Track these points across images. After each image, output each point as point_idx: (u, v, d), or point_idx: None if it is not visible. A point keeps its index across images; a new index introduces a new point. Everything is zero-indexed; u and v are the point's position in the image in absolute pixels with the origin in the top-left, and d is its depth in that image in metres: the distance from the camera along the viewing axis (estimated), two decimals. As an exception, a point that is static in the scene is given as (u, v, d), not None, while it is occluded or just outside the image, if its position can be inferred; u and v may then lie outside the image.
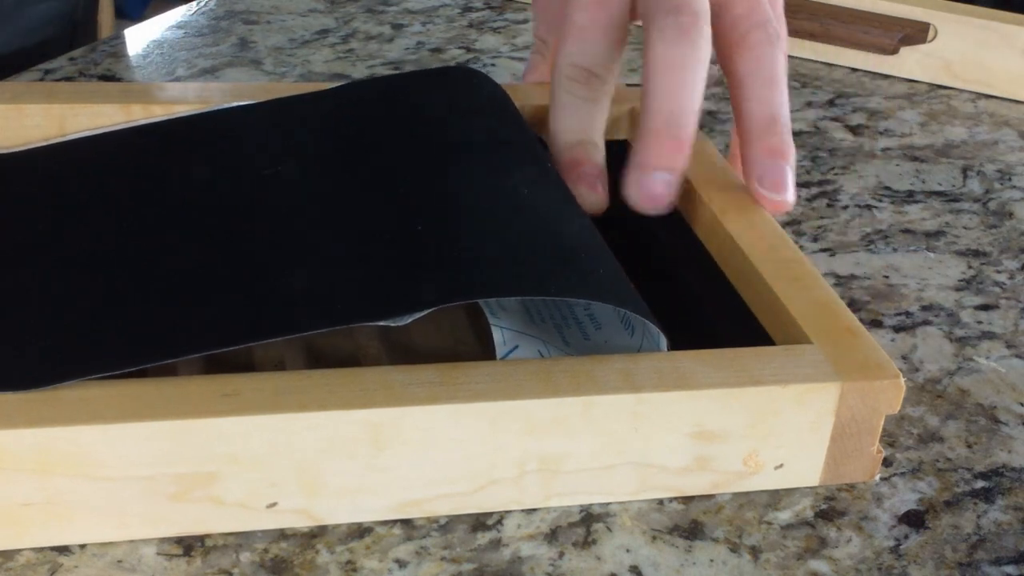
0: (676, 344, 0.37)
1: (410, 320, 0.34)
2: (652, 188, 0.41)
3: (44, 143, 0.44)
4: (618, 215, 0.42)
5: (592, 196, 0.43)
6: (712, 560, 0.34)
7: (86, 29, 0.78)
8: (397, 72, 0.50)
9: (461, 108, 0.46)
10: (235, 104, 0.46)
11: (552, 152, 0.45)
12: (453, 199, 0.39)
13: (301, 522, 0.33)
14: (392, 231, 0.37)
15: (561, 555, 0.34)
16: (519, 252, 0.37)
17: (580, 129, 0.45)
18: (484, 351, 0.39)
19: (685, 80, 0.41)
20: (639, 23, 0.44)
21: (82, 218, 0.39)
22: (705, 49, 0.41)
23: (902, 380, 0.35)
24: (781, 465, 0.36)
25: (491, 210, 0.39)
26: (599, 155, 0.45)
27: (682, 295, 0.43)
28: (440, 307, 0.34)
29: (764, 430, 0.35)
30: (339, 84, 0.48)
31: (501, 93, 0.48)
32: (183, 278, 0.36)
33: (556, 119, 0.45)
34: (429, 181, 0.40)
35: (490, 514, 0.35)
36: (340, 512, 0.33)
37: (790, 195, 0.43)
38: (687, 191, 0.45)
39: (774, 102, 0.43)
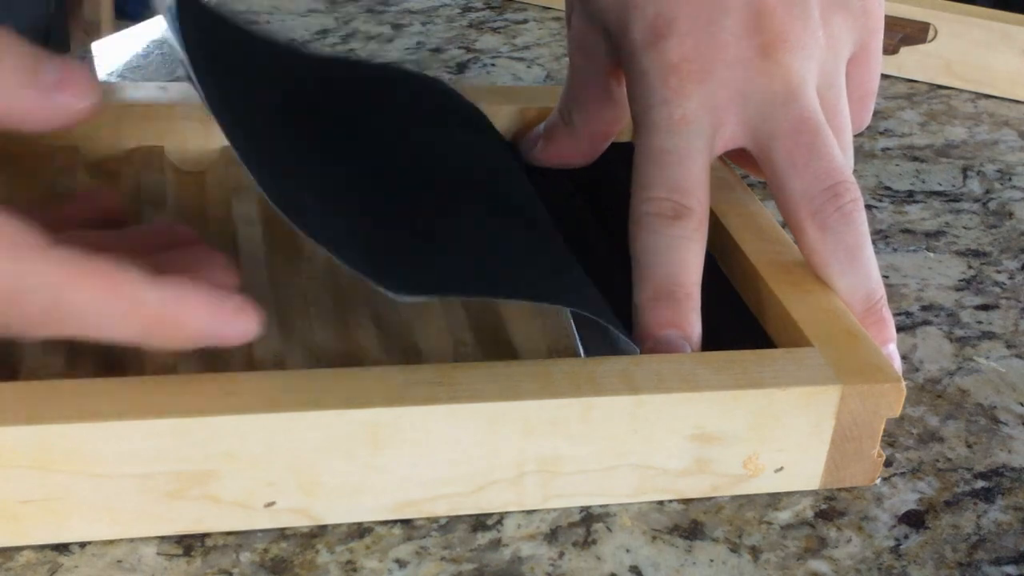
0: None
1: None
2: (894, 364, 0.38)
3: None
4: (623, 217, 0.42)
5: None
6: (712, 560, 0.34)
7: (59, 41, 0.78)
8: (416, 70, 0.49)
9: (447, 124, 0.46)
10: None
11: (634, 304, 0.38)
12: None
13: (299, 521, 0.33)
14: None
15: (561, 555, 0.34)
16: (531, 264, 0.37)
17: (671, 275, 0.38)
18: (484, 352, 0.39)
19: (867, 258, 0.39)
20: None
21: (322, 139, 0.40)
22: (866, 223, 0.39)
23: (903, 384, 0.35)
24: (781, 468, 0.36)
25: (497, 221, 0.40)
26: (693, 315, 0.37)
27: None
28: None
29: (764, 433, 0.35)
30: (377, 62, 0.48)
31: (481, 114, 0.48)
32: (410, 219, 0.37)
33: (639, 265, 0.38)
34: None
35: (490, 514, 0.35)
36: (338, 512, 0.33)
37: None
38: None
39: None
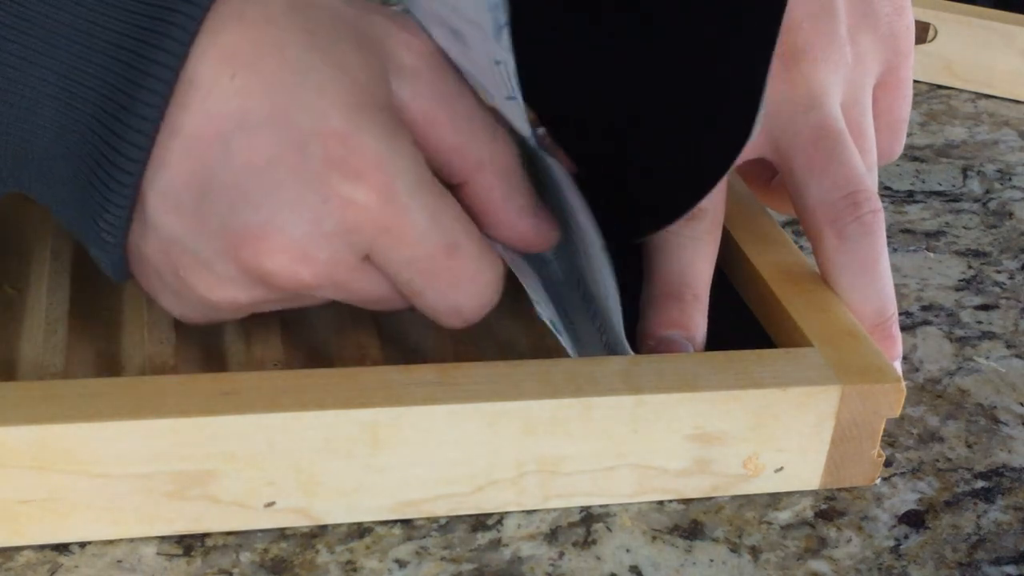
0: None
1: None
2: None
3: None
4: None
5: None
6: (712, 560, 0.34)
7: None
8: None
9: None
10: None
11: (642, 301, 0.38)
12: None
13: (299, 521, 0.33)
14: None
15: (561, 555, 0.34)
16: None
17: (680, 274, 0.38)
18: (482, 352, 0.39)
19: (881, 272, 0.39)
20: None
21: None
22: (884, 236, 0.39)
23: (903, 384, 0.35)
24: (781, 468, 0.36)
25: None
26: (699, 317, 0.37)
27: None
28: None
29: (764, 433, 0.35)
30: None
31: None
32: None
33: (652, 262, 0.39)
34: None
35: (490, 514, 0.35)
36: (338, 512, 0.33)
37: None
38: None
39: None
